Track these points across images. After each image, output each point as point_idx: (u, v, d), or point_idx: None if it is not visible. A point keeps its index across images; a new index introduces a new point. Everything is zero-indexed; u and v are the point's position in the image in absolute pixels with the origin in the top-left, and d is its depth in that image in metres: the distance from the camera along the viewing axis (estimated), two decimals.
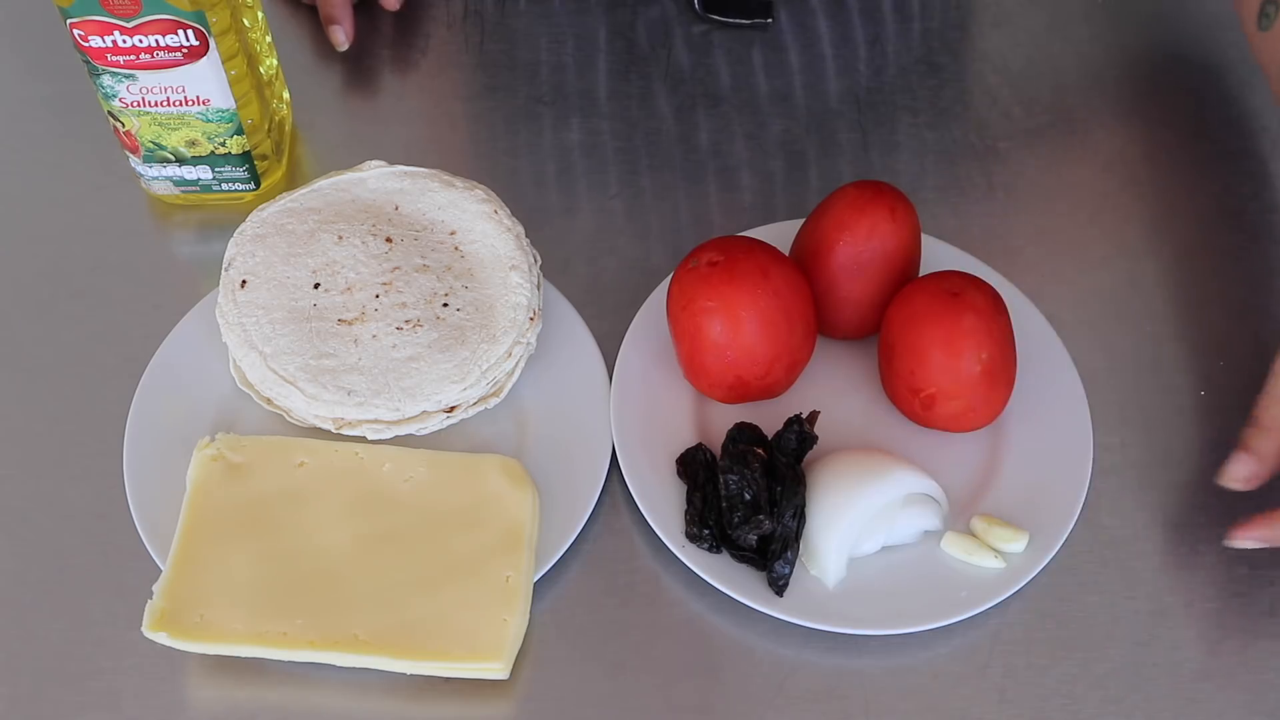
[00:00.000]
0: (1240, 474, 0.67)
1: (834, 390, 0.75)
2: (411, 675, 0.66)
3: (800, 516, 0.67)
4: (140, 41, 0.74)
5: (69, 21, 0.74)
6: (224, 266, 0.75)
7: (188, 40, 0.74)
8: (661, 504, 0.70)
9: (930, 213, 0.83)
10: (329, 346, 0.73)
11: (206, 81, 0.77)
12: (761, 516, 0.67)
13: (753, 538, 0.67)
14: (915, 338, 0.70)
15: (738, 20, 0.94)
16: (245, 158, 0.82)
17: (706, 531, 0.68)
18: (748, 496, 0.68)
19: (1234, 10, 0.84)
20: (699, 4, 0.94)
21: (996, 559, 0.68)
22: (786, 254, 0.74)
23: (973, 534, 0.69)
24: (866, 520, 0.67)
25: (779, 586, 0.67)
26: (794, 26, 0.94)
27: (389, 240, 0.76)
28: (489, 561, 0.67)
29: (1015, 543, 0.68)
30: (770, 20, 0.93)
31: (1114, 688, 0.67)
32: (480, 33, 0.94)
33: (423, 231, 0.77)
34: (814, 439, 0.71)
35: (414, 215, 0.78)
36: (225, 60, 0.76)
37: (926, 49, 0.94)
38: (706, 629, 0.68)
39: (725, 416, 0.73)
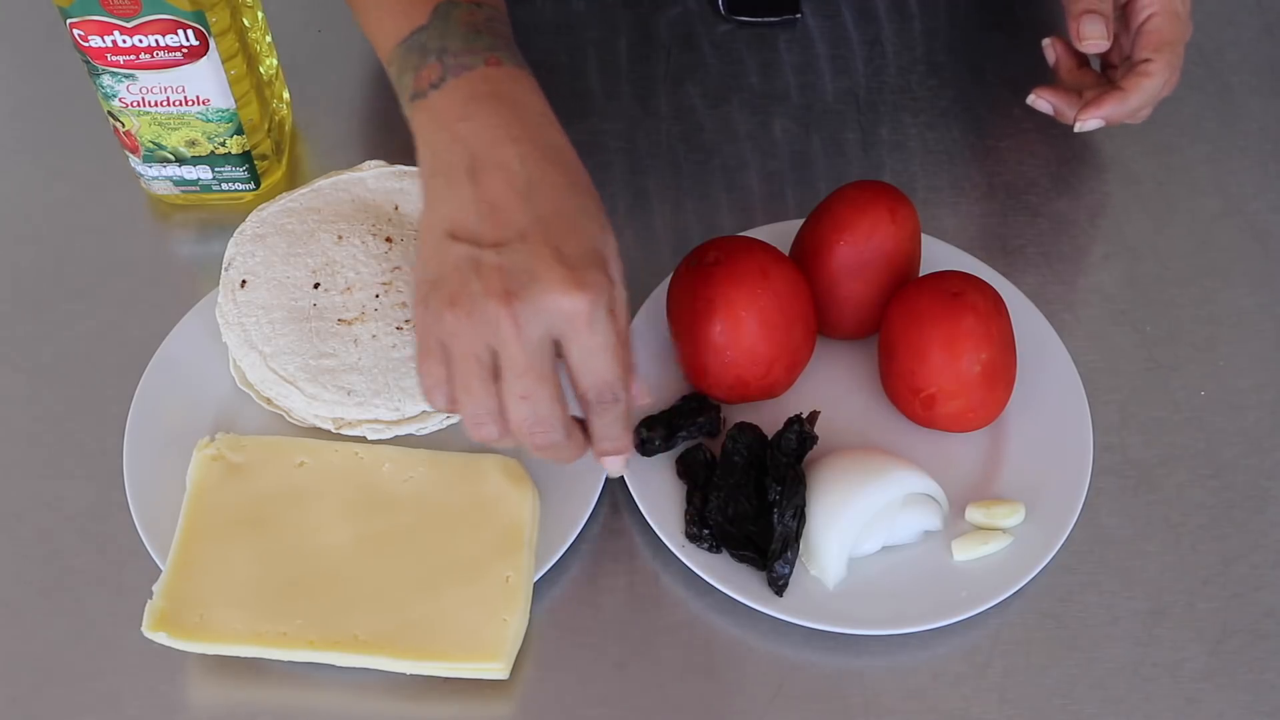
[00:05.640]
0: (1097, 31, 0.76)
1: (834, 390, 0.75)
2: (411, 675, 0.66)
3: (800, 516, 0.67)
4: (140, 41, 0.74)
5: (69, 21, 0.74)
6: (224, 266, 0.75)
7: (188, 40, 0.74)
8: (661, 504, 0.70)
9: (930, 213, 0.83)
10: (329, 346, 0.73)
11: (206, 81, 0.77)
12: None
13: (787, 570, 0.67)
14: (915, 338, 0.70)
15: (766, 19, 0.94)
16: (245, 158, 0.82)
17: (707, 531, 0.68)
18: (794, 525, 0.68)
19: (1234, 8, 0.85)
20: (724, 6, 0.94)
21: (1005, 535, 0.69)
22: (786, 254, 0.74)
23: (973, 525, 0.69)
24: (866, 520, 0.67)
25: (779, 586, 0.67)
26: (793, 27, 0.94)
27: (389, 240, 0.76)
28: (489, 561, 0.67)
29: (1014, 516, 0.69)
30: (799, 15, 0.93)
31: (1114, 688, 0.67)
32: None
33: None
34: (814, 439, 0.71)
35: (414, 215, 0.77)
36: (225, 60, 0.76)
37: (926, 49, 0.94)
38: (706, 629, 0.68)
39: (725, 416, 0.73)
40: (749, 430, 0.72)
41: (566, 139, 0.62)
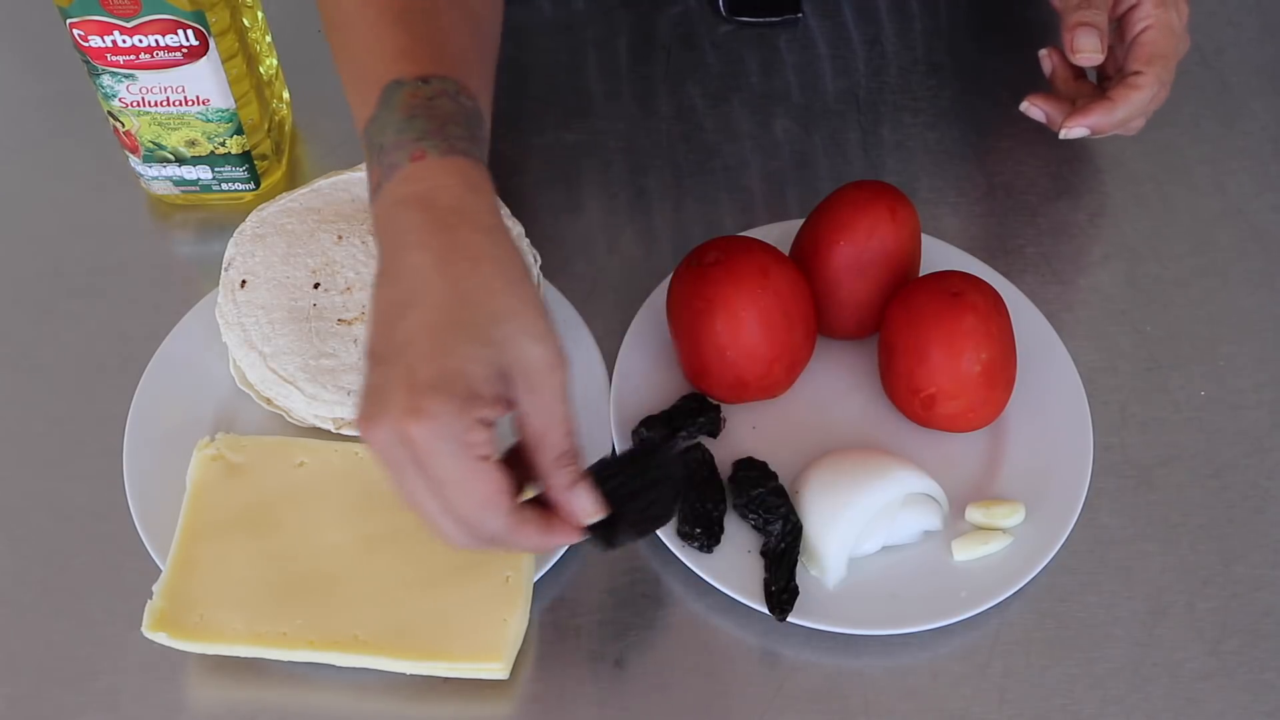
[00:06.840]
0: (1091, 44, 0.76)
1: (834, 390, 0.75)
2: (411, 675, 0.66)
3: (798, 538, 0.68)
4: (140, 41, 0.74)
5: (69, 21, 0.74)
6: (224, 266, 0.75)
7: (187, 40, 0.74)
8: None
9: (930, 213, 0.83)
10: (329, 346, 0.73)
11: (206, 81, 0.77)
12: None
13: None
14: (915, 338, 0.70)
15: (767, 19, 0.93)
16: (245, 158, 0.82)
17: (699, 530, 0.68)
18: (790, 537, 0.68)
19: (1234, 8, 0.85)
20: (725, 7, 0.94)
21: (1005, 535, 0.69)
22: (786, 254, 0.74)
23: (974, 525, 0.69)
24: (866, 520, 0.67)
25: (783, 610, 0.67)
26: (793, 27, 0.94)
27: None
28: (489, 561, 0.67)
29: (1014, 516, 0.69)
30: (800, 15, 0.93)
31: (1114, 688, 0.67)
32: None
33: None
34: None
35: None
36: (225, 60, 0.76)
37: (926, 49, 0.94)
38: (706, 629, 0.68)
39: (725, 416, 0.73)
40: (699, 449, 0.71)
41: (485, 228, 0.58)
